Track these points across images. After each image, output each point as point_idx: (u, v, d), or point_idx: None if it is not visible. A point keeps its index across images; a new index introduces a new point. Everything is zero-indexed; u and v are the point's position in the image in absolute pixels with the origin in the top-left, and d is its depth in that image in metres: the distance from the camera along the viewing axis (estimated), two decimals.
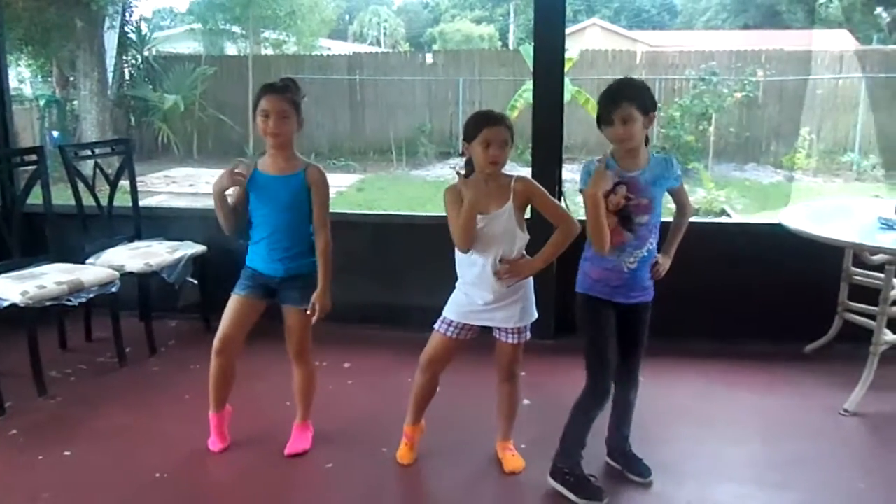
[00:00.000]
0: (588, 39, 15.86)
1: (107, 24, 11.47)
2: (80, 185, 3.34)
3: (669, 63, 11.68)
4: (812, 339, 3.23)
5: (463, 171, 2.17)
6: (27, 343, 2.80)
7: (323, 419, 2.54)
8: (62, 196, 3.51)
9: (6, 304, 2.77)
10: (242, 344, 2.37)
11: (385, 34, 23.37)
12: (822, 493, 2.25)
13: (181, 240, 3.46)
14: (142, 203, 3.67)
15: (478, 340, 2.25)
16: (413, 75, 12.31)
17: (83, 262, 3.19)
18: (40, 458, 2.44)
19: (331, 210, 2.32)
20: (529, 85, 4.30)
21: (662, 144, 10.23)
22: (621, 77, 2.10)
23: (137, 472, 2.35)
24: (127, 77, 12.64)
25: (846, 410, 2.68)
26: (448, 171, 10.19)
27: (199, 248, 3.41)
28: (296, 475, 2.36)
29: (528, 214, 2.18)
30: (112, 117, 11.54)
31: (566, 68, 3.37)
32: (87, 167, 3.46)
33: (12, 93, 4.67)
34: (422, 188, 10.21)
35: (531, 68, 3.34)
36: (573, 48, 10.39)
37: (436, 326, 2.25)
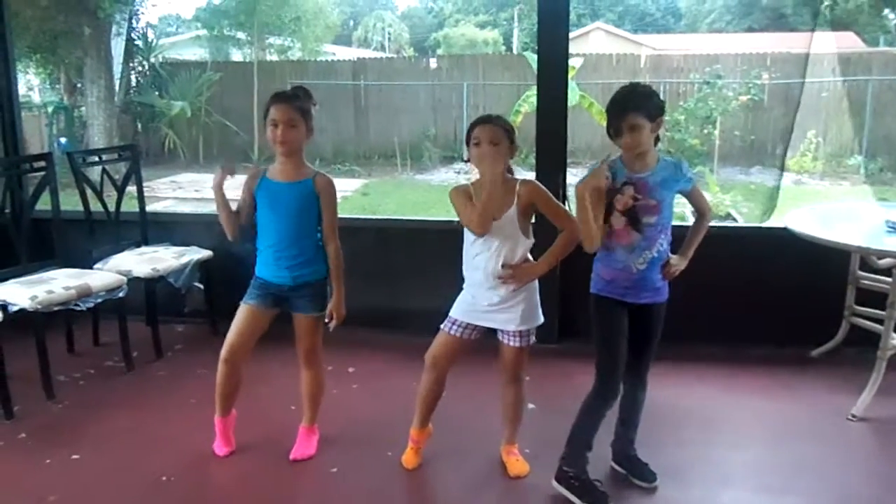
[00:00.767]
0: (592, 43, 15.89)
1: (114, 31, 11.57)
2: (88, 191, 3.37)
3: (674, 66, 11.69)
4: (819, 343, 3.22)
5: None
6: (35, 347, 2.82)
7: (328, 423, 2.55)
8: (70, 202, 3.54)
9: (15, 308, 2.78)
10: (250, 352, 2.38)
11: (389, 39, 23.46)
12: (828, 499, 2.24)
13: (188, 245, 3.48)
14: (148, 208, 3.70)
15: (483, 344, 2.26)
16: (417, 80, 12.35)
17: (91, 268, 3.21)
18: (48, 461, 2.45)
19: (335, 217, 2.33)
20: (534, 90, 4.32)
21: (668, 148, 10.22)
22: (626, 84, 2.12)
23: (144, 476, 2.36)
24: (133, 83, 12.74)
25: (853, 415, 2.67)
26: (452, 176, 10.21)
27: (205, 254, 3.43)
28: (301, 479, 2.37)
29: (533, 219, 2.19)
30: (119, 123, 11.63)
31: (569, 76, 3.38)
32: (94, 173, 3.49)
33: (21, 100, 4.71)
34: (426, 193, 10.22)
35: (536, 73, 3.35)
36: (577, 54, 10.39)
37: (441, 325, 2.26)
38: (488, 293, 2.16)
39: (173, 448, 2.53)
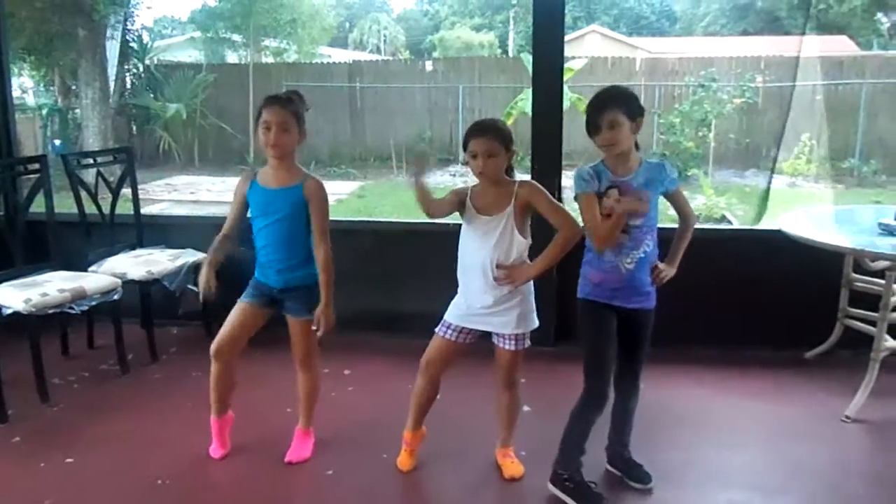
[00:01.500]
0: (587, 46, 15.91)
1: (108, 33, 11.54)
2: (83, 194, 3.36)
3: (669, 69, 11.73)
4: (812, 345, 3.23)
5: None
6: (30, 350, 2.81)
7: (324, 426, 2.55)
8: (64, 204, 3.53)
9: (9, 311, 2.78)
10: (241, 349, 2.38)
11: (385, 42, 23.47)
12: (822, 500, 2.25)
13: (182, 247, 3.47)
14: (143, 211, 3.68)
15: (478, 347, 2.26)
16: (413, 82, 12.36)
17: (85, 270, 3.21)
18: (42, 464, 2.45)
19: (331, 217, 2.33)
20: (526, 94, 4.31)
21: (663, 151, 10.25)
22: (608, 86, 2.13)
23: (139, 479, 2.35)
24: (128, 86, 12.71)
25: (847, 417, 2.68)
26: (448, 178, 10.21)
27: (200, 256, 3.42)
28: (296, 482, 2.37)
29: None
30: (113, 126, 11.60)
31: (567, 77, 3.39)
32: (89, 175, 3.47)
33: (15, 102, 4.69)
34: None
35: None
36: (575, 58, 10.42)
37: (436, 329, 2.26)
38: (482, 296, 2.16)
39: (169, 451, 2.52)
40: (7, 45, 3.73)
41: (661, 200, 2.16)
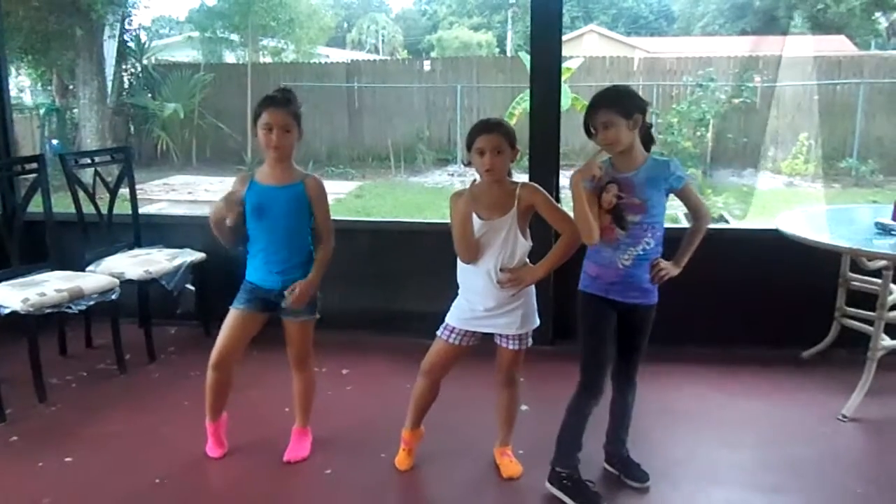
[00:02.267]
0: (586, 46, 15.93)
1: (106, 32, 11.52)
2: (80, 193, 3.36)
3: (667, 69, 11.73)
4: (810, 344, 3.24)
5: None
6: (28, 350, 2.81)
7: (322, 425, 2.55)
8: (62, 204, 3.53)
9: (7, 311, 2.78)
10: (240, 357, 2.38)
11: (383, 41, 23.46)
12: (819, 498, 2.26)
13: (180, 247, 3.47)
14: (141, 211, 3.69)
15: (477, 346, 2.26)
16: (411, 82, 12.35)
17: (83, 270, 3.20)
18: (40, 464, 2.45)
19: (330, 216, 2.33)
20: (528, 92, 4.30)
21: (660, 151, 10.26)
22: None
23: (137, 478, 2.35)
24: (126, 85, 12.67)
25: (844, 416, 2.68)
26: (446, 178, 10.22)
27: (198, 256, 3.43)
28: (295, 481, 2.37)
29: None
30: (111, 125, 11.58)
31: (564, 77, 3.40)
32: (86, 175, 3.47)
33: (12, 101, 4.69)
34: (420, 195, 10.23)
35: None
36: (572, 57, 10.43)
37: (438, 333, 2.25)
38: (485, 298, 2.16)
39: (167, 450, 2.52)
40: (4, 45, 3.73)
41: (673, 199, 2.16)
